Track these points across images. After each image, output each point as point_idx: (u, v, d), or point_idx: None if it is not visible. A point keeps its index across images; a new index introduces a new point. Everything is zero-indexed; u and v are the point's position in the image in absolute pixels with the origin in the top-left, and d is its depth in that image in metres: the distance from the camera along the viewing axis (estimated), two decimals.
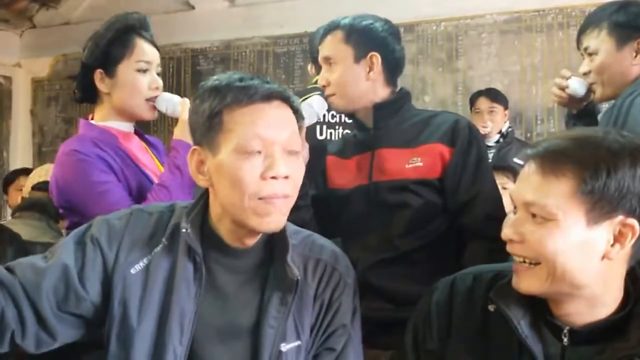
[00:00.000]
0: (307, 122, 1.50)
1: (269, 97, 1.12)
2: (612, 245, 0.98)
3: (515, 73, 3.60)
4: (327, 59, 1.64)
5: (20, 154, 4.67)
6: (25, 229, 2.22)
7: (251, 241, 1.17)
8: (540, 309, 1.07)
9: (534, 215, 1.00)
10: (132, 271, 1.14)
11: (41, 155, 4.57)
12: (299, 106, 1.16)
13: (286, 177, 1.10)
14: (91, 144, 1.60)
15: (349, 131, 2.18)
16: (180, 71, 4.35)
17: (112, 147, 1.64)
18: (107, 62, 1.66)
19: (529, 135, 3.57)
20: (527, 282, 1.03)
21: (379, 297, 1.54)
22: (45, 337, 1.13)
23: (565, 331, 1.05)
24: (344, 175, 1.69)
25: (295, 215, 1.58)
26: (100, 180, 1.56)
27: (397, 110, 1.65)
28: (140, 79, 1.66)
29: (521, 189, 1.03)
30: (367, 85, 1.62)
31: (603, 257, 0.98)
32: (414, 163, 1.57)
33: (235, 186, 1.08)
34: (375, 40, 1.62)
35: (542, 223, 0.99)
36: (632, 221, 0.97)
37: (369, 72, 1.61)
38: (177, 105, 1.64)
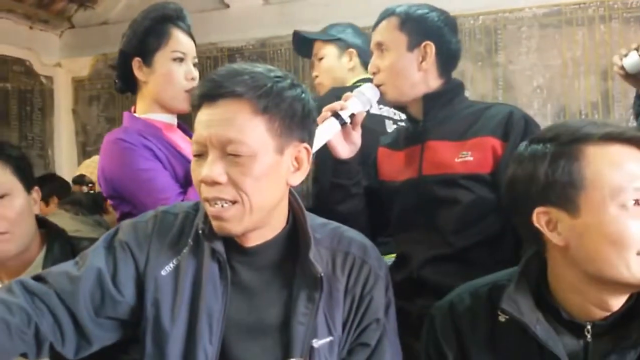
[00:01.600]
0: (361, 109, 1.52)
1: (211, 97, 1.08)
2: None
3: (557, 67, 3.51)
4: (380, 45, 1.60)
5: (64, 153, 4.74)
6: (70, 222, 2.26)
7: (250, 241, 1.15)
8: (551, 309, 1.08)
9: None
10: (163, 273, 1.15)
11: (86, 154, 4.61)
12: (264, 100, 1.07)
13: (216, 183, 1.06)
14: (136, 134, 1.63)
15: None
16: None
17: (157, 138, 1.66)
18: (144, 51, 1.67)
19: None
20: None
21: (436, 296, 1.47)
22: (84, 343, 1.13)
23: (588, 327, 1.05)
24: (394, 167, 1.65)
25: (349, 203, 1.60)
26: (146, 167, 1.58)
27: (448, 101, 1.59)
28: (175, 68, 1.66)
29: None
30: (418, 75, 1.57)
31: None
32: (463, 157, 1.51)
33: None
34: (430, 30, 1.57)
35: None
36: None
37: (422, 61, 1.56)
38: None
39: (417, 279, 1.52)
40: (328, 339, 1.12)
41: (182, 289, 1.13)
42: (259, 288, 1.15)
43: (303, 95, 1.13)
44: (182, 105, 1.67)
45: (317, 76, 2.32)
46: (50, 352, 1.11)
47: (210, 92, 1.08)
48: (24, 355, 1.08)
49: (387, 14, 1.61)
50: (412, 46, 1.56)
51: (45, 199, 2.89)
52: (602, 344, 1.05)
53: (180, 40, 1.68)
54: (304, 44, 2.38)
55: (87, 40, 4.63)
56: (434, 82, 1.59)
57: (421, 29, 1.57)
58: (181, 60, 1.67)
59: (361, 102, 1.53)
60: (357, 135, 1.54)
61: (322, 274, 1.11)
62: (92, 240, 1.52)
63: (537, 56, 3.55)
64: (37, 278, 1.14)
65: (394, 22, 1.58)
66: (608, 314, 1.05)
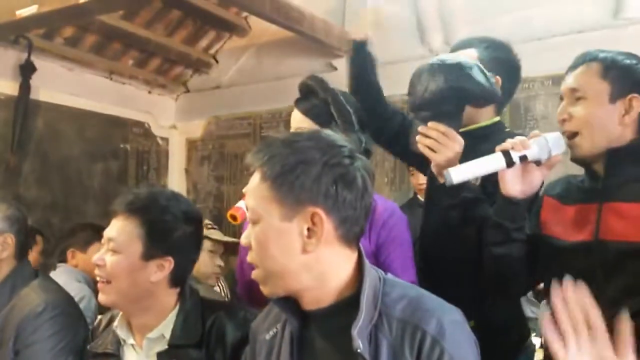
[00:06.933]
0: (537, 156, 1.44)
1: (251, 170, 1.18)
2: None
3: None
4: (574, 91, 1.48)
5: None
6: None
7: (304, 305, 1.14)
8: None
9: None
10: (267, 337, 1.22)
11: None
12: (265, 167, 1.10)
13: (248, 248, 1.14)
14: None
15: None
16: None
17: None
18: None
19: None
20: None
21: None
22: None
23: None
24: (562, 223, 1.50)
25: (506, 248, 1.48)
26: None
27: (638, 159, 1.42)
28: None
29: None
30: (617, 130, 1.44)
31: None
32: None
33: None
34: (637, 81, 1.44)
35: None
36: None
37: (624, 115, 1.43)
38: None
39: None
40: None
41: (275, 354, 1.18)
42: (326, 354, 1.12)
43: (312, 158, 1.07)
44: None
45: None
46: None
47: (250, 165, 1.15)
48: None
49: (587, 58, 1.49)
50: (614, 97, 1.43)
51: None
52: None
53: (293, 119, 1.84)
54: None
55: (201, 104, 4.84)
56: (629, 138, 1.45)
57: (628, 79, 1.44)
58: None
59: (539, 147, 1.43)
60: (538, 178, 1.45)
61: (360, 350, 1.02)
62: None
63: None
64: None
65: (596, 68, 1.46)
66: None
